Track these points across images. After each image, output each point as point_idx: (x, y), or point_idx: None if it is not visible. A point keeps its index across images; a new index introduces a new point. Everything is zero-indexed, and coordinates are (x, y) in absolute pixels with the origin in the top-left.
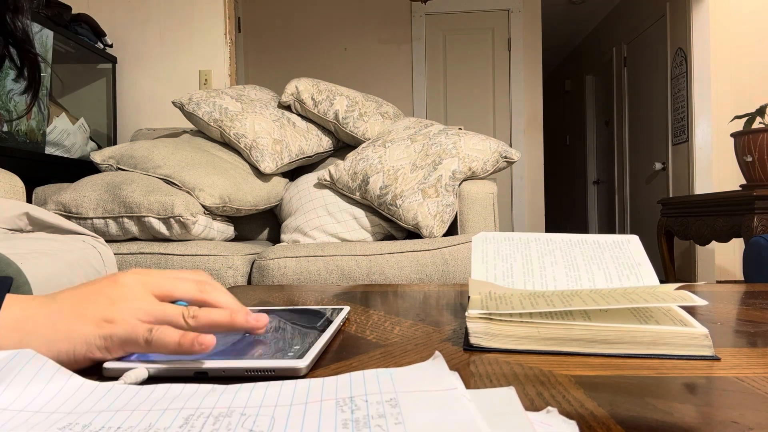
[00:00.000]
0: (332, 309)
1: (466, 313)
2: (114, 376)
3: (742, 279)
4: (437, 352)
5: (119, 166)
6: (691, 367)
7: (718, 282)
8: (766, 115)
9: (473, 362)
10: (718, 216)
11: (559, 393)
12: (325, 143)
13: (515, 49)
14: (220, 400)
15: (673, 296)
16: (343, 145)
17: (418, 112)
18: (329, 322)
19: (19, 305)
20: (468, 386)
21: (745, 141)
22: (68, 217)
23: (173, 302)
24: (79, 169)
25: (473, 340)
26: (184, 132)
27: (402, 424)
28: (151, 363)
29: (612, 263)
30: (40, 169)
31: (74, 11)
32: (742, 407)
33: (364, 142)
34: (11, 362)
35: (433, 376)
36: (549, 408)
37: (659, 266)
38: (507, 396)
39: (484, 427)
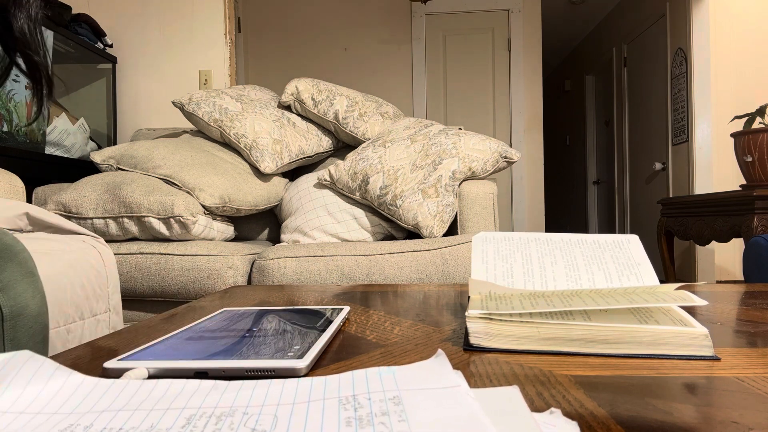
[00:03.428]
0: (332, 309)
1: (466, 313)
2: (114, 376)
3: (742, 279)
4: (440, 350)
5: (119, 166)
6: (691, 367)
7: (718, 282)
8: (766, 115)
9: (473, 362)
10: (718, 216)
11: (559, 393)
12: (325, 143)
13: (515, 49)
14: (222, 399)
15: (673, 296)
16: (343, 145)
17: (418, 112)
18: (329, 322)
19: None
20: (468, 386)
21: (745, 141)
22: (68, 217)
23: None
24: (79, 169)
25: (473, 340)
26: (184, 132)
27: (405, 421)
28: (151, 362)
29: (612, 263)
30: (40, 169)
31: (74, 11)
32: (742, 407)
33: (364, 142)
34: (8, 364)
35: (437, 374)
36: (552, 409)
37: (659, 266)
38: (511, 395)
39: (489, 425)
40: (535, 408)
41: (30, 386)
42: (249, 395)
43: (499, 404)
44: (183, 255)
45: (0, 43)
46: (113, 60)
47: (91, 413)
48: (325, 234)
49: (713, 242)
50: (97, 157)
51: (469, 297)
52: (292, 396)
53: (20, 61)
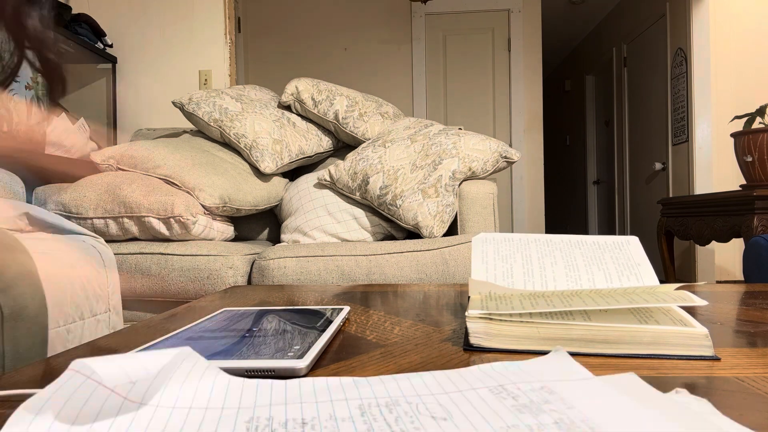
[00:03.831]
0: (332, 309)
1: (466, 313)
2: None
3: (742, 279)
4: (559, 347)
5: (119, 166)
6: (691, 367)
7: (718, 282)
8: (766, 115)
9: (473, 362)
10: (718, 216)
11: None
12: (325, 143)
13: (515, 49)
14: (376, 391)
15: (673, 296)
16: (343, 145)
17: (418, 112)
18: (329, 322)
19: None
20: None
21: (745, 141)
22: (68, 217)
23: None
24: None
25: (473, 340)
26: (184, 132)
27: (574, 408)
28: None
29: (612, 264)
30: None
31: (74, 11)
32: (742, 407)
33: (364, 142)
34: (172, 360)
35: (563, 367)
36: (678, 389)
37: (659, 266)
38: (633, 381)
39: (643, 408)
40: None
41: (186, 383)
42: (396, 387)
43: (628, 389)
44: (183, 255)
45: (13, 41)
46: (113, 60)
47: (261, 407)
48: (325, 234)
49: (713, 242)
50: (97, 157)
51: (469, 297)
52: (439, 387)
53: (31, 60)
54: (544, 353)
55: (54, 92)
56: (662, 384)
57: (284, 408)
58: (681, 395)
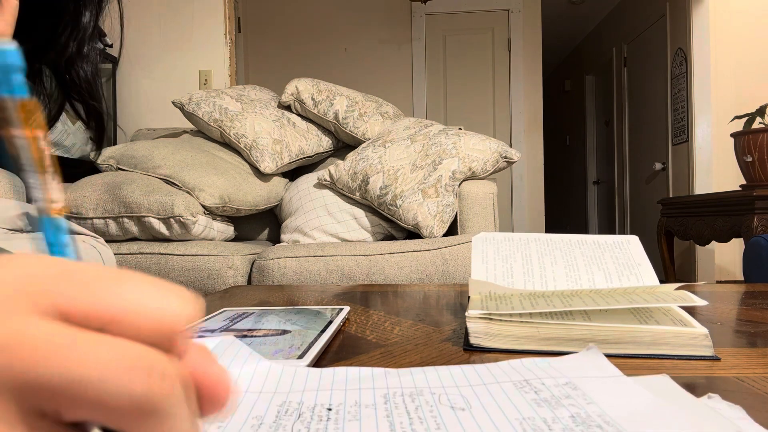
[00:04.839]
0: (332, 309)
1: (466, 313)
2: None
3: (742, 279)
4: (592, 345)
5: (119, 166)
6: (691, 367)
7: (718, 282)
8: (766, 115)
9: (473, 362)
10: (718, 216)
11: None
12: (325, 143)
13: (515, 49)
14: (403, 381)
15: (673, 296)
16: (343, 145)
17: (418, 112)
18: (329, 322)
19: None
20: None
21: (745, 141)
22: (68, 217)
23: None
24: (79, 169)
25: (473, 341)
26: (184, 132)
27: (594, 404)
28: None
29: (612, 263)
30: None
31: None
32: (743, 407)
33: (364, 142)
34: (214, 348)
35: (595, 365)
36: (710, 394)
37: (659, 266)
38: (665, 382)
39: (667, 406)
40: None
41: (231, 368)
42: (424, 378)
43: (659, 390)
44: (183, 255)
45: (62, 92)
46: (113, 60)
47: (294, 392)
48: (325, 234)
49: (713, 242)
50: (97, 157)
51: (469, 297)
52: (464, 379)
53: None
54: (544, 353)
55: (99, 143)
56: None
57: (315, 394)
58: (713, 400)
